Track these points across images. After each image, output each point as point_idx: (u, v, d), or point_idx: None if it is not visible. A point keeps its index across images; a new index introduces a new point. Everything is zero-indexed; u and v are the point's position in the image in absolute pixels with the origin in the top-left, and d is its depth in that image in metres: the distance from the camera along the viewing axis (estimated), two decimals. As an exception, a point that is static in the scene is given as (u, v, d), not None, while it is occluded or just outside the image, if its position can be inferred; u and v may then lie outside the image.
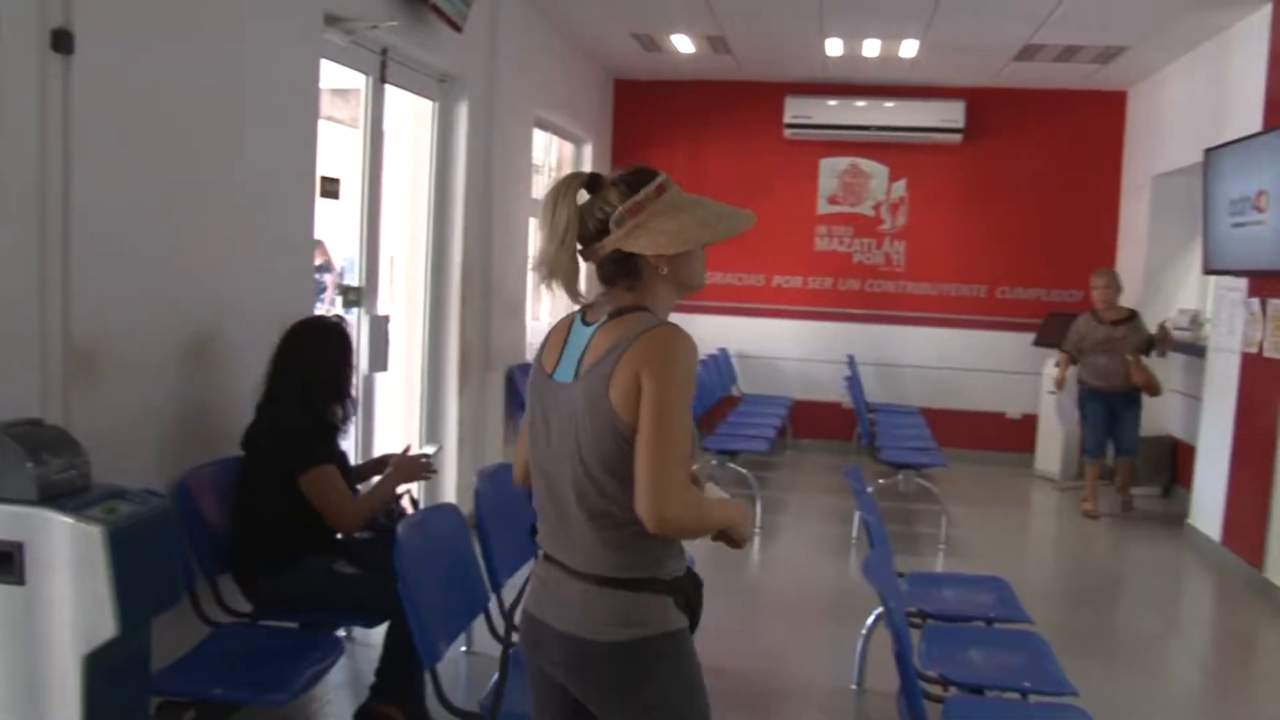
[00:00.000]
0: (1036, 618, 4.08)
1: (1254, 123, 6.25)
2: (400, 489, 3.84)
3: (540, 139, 8.12)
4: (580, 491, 2.02)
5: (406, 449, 4.02)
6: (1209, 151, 6.68)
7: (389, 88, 5.35)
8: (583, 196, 2.10)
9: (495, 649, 3.45)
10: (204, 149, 3.63)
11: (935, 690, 3.34)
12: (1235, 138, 6.35)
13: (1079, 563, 6.87)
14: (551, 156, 8.70)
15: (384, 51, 5.22)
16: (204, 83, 3.61)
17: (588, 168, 9.13)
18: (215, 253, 3.73)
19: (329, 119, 5.68)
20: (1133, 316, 7.65)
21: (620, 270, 2.09)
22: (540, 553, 2.16)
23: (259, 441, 3.55)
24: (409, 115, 5.99)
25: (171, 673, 3.07)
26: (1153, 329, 8.07)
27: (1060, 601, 5.87)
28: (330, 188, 4.74)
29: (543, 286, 2.08)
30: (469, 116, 6.13)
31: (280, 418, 3.55)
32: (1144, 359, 7.54)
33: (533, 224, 7.71)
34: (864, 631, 4.38)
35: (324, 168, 4.57)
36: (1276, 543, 5.87)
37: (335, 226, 5.58)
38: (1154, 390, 7.55)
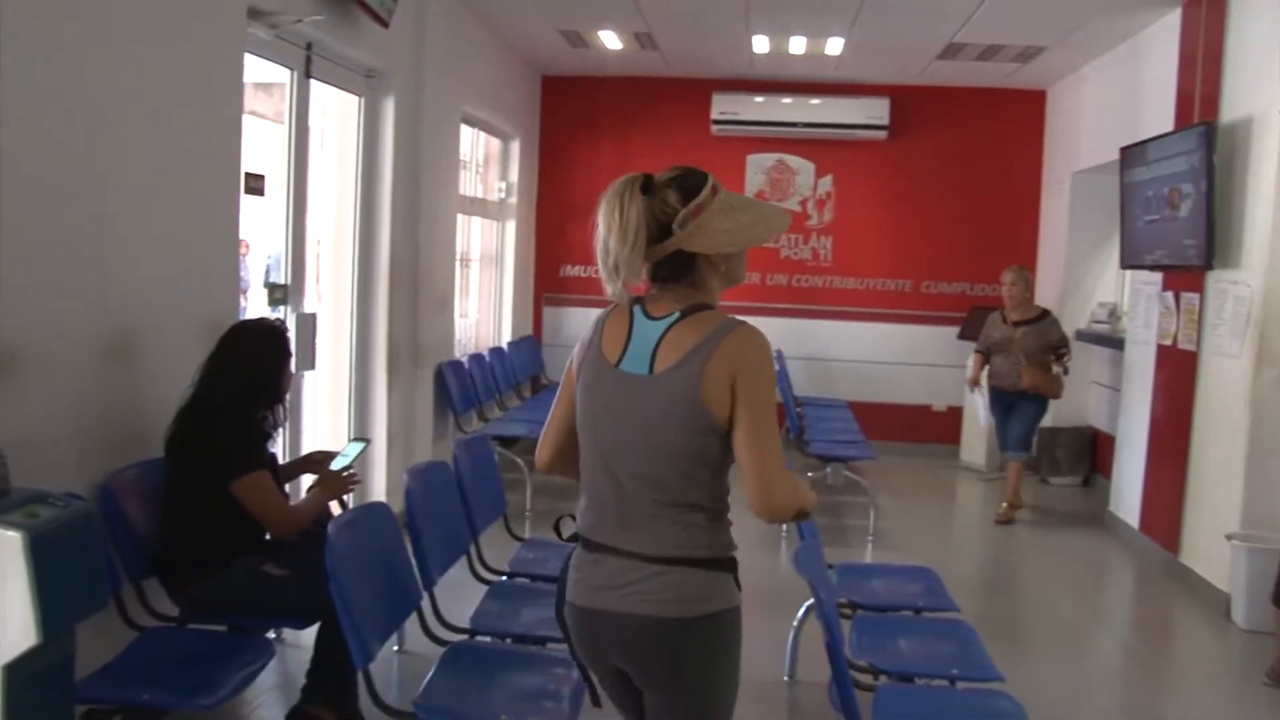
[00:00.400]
0: (964, 606, 4.18)
1: (1166, 122, 6.43)
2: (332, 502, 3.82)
3: (467, 134, 8.07)
4: (658, 480, 2.13)
5: (332, 457, 3.98)
6: (1125, 149, 6.86)
7: (314, 83, 5.29)
8: None
9: (428, 648, 3.45)
10: (125, 145, 3.55)
11: (866, 679, 3.40)
12: (1149, 136, 6.53)
13: (1004, 552, 7.02)
14: (479, 152, 8.65)
15: (309, 46, 5.15)
16: (124, 77, 3.53)
17: (515, 163, 9.13)
18: (137, 251, 3.65)
19: (253, 114, 5.59)
20: (1042, 317, 7.45)
21: (681, 268, 2.20)
22: (585, 544, 2.25)
23: (190, 444, 3.49)
24: (335, 111, 5.92)
25: (96, 680, 3.00)
26: (1081, 324, 8.26)
27: (987, 590, 6.00)
28: (255, 184, 4.67)
29: (611, 284, 2.16)
30: (395, 112, 6.07)
31: (214, 422, 3.49)
32: (1055, 364, 7.37)
33: (460, 219, 7.68)
34: (795, 623, 4.43)
35: (248, 164, 4.50)
36: (1190, 528, 6.06)
37: (261, 223, 5.50)
38: (1047, 394, 7.37)
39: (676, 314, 2.18)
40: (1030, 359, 7.25)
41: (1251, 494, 5.42)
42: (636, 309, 2.23)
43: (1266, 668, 4.65)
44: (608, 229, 2.14)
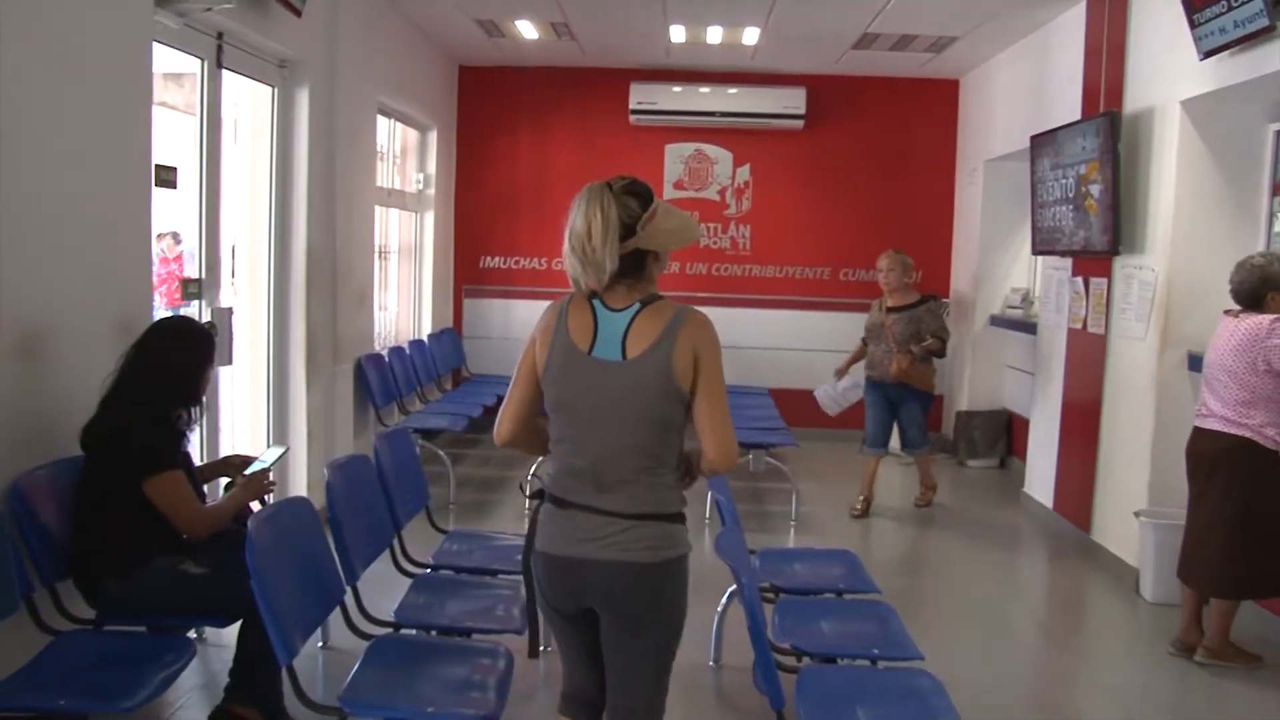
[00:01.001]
0: (884, 588, 4.25)
1: (1074, 111, 6.59)
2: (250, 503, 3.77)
3: (384, 125, 7.98)
4: (637, 446, 2.55)
5: (250, 461, 3.93)
6: (1034, 138, 7.02)
7: (225, 73, 5.19)
8: None
9: (354, 643, 3.43)
10: (25, 136, 3.45)
11: (789, 661, 3.45)
12: (1058, 125, 6.69)
13: (923, 534, 7.15)
14: (395, 143, 8.56)
15: (219, 35, 5.05)
16: (23, 66, 3.43)
17: (433, 155, 9.05)
18: (44, 246, 3.56)
19: (163, 105, 5.47)
20: (920, 303, 7.14)
21: (636, 264, 2.59)
22: (558, 503, 2.62)
23: (104, 443, 3.41)
24: (248, 101, 5.82)
25: (10, 686, 2.93)
26: (995, 310, 8.40)
27: (906, 571, 6.11)
28: (166, 177, 4.57)
29: (585, 277, 2.58)
30: (310, 102, 5.99)
31: (128, 419, 3.41)
32: (915, 346, 6.99)
33: (379, 211, 7.61)
34: (719, 609, 4.48)
35: (160, 156, 4.40)
36: (1101, 506, 6.24)
37: (173, 216, 5.39)
38: (917, 384, 7.07)
39: (637, 305, 2.57)
40: (901, 347, 6.98)
41: (1158, 472, 5.59)
42: (595, 302, 2.60)
43: (1172, 638, 4.82)
44: (587, 228, 2.51)
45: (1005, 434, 8.81)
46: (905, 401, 7.17)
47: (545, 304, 2.72)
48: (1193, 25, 5.09)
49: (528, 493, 2.78)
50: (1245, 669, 4.59)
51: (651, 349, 2.52)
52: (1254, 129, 5.51)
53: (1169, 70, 5.54)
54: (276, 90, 5.86)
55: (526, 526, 2.73)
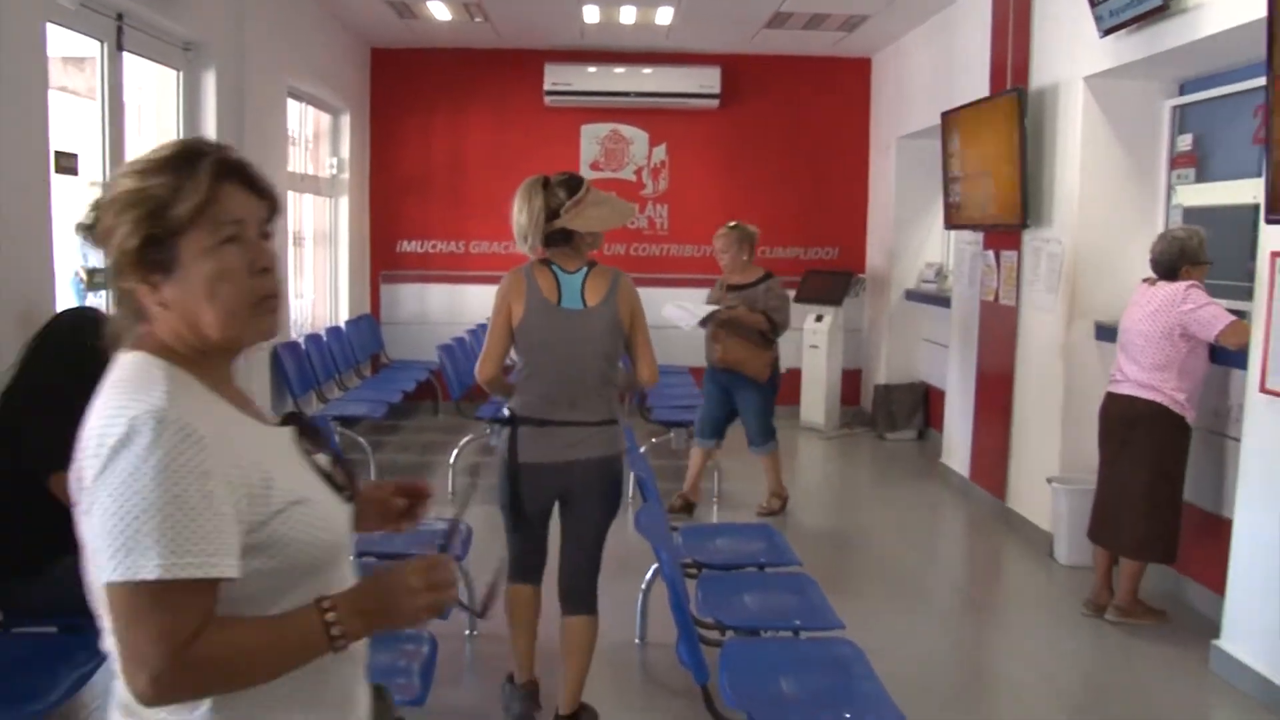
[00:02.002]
0: (805, 560, 4.32)
1: (982, 88, 6.70)
2: None
3: (294, 109, 7.84)
4: (599, 372, 3.53)
5: None
6: (945, 114, 7.12)
7: (126, 55, 5.05)
8: None
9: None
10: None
11: (713, 635, 3.49)
12: (967, 101, 6.80)
13: (843, 505, 7.26)
14: (307, 128, 8.42)
15: (119, 16, 4.91)
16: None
17: (346, 138, 8.92)
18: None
19: (62, 89, 5.31)
20: (759, 282, 6.39)
21: (564, 239, 3.52)
22: (537, 423, 3.51)
23: (4, 439, 3.31)
24: (152, 85, 5.67)
25: (-86, 691, 2.85)
26: (910, 284, 8.48)
27: (827, 543, 6.20)
28: (67, 163, 4.44)
29: (523, 246, 3.54)
30: (217, 86, 5.86)
31: (30, 413, 3.31)
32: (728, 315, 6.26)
33: (292, 196, 7.48)
34: (643, 586, 4.50)
35: (59, 142, 4.28)
36: (1015, 474, 6.39)
37: (77, 204, 5.23)
38: (746, 370, 6.29)
39: (585, 268, 3.55)
40: (731, 329, 6.27)
41: (1068, 439, 5.74)
42: (554, 266, 3.53)
43: (1085, 599, 4.97)
44: (520, 212, 3.47)
45: (922, 406, 8.96)
46: (738, 390, 6.44)
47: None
48: (1093, 3, 5.21)
49: (503, 422, 3.64)
50: (1152, 625, 4.75)
51: (604, 299, 3.51)
52: (1153, 104, 5.65)
53: (1072, 47, 5.66)
54: (181, 74, 5.72)
55: (502, 459, 3.59)
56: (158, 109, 5.71)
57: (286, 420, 1.62)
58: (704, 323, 6.33)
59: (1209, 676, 4.28)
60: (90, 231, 1.48)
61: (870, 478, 7.77)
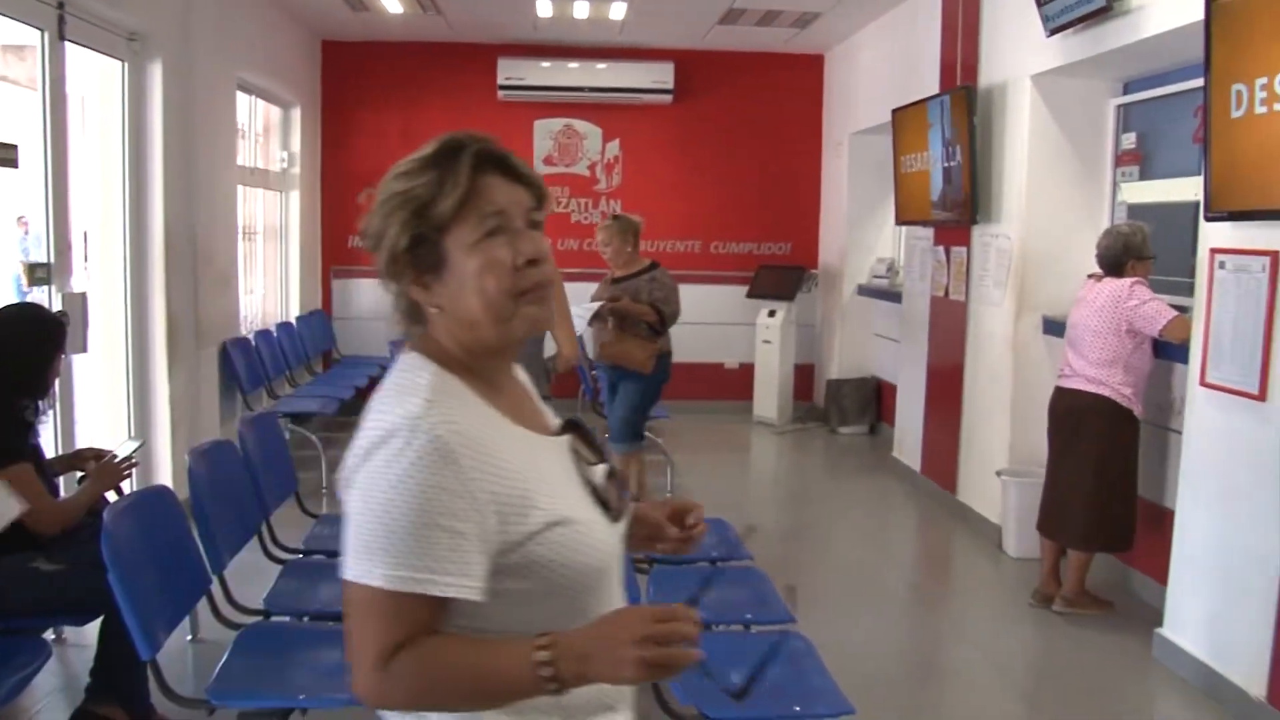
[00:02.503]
0: (757, 555, 4.32)
1: (933, 85, 6.76)
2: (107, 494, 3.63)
3: (244, 102, 7.74)
4: (524, 354, 3.65)
5: (109, 456, 3.79)
6: (895, 111, 7.18)
7: (69, 45, 4.96)
8: None
9: (225, 634, 3.34)
10: None
11: (664, 631, 3.48)
12: (917, 99, 6.85)
13: (795, 500, 7.30)
14: (258, 121, 8.32)
15: (60, 4, 4.81)
16: None
17: (296, 131, 8.83)
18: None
19: (2, 79, 5.22)
20: (643, 273, 6.10)
21: None
22: None
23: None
24: (96, 76, 5.58)
25: None
26: (863, 280, 8.50)
27: (780, 538, 6.23)
28: (6, 155, 4.36)
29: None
30: (164, 78, 5.77)
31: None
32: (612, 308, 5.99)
33: (242, 191, 7.40)
34: (596, 582, 4.49)
35: (-2, 134, 4.20)
36: (965, 467, 6.46)
37: (18, 197, 5.14)
38: (627, 362, 6.00)
39: None
40: (616, 323, 6.01)
41: (1016, 432, 5.82)
42: None
43: (1032, 590, 5.04)
44: None
45: (874, 401, 9.03)
46: (621, 383, 6.16)
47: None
48: (1039, 3, 5.27)
49: None
50: (1099, 615, 4.83)
51: None
52: (1098, 103, 5.73)
53: (1020, 46, 5.72)
54: (127, 65, 5.63)
55: None
56: (102, 100, 5.62)
57: (566, 428, 1.58)
58: (592, 321, 6.05)
59: (1151, 664, 4.37)
60: (364, 237, 1.51)
61: (822, 472, 7.83)
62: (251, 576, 3.79)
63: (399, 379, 1.44)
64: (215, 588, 3.41)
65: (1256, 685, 3.83)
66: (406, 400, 1.38)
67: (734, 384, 9.76)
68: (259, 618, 3.44)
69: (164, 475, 5.79)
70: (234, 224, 7.11)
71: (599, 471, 1.54)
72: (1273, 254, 3.79)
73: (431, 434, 1.33)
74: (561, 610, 1.40)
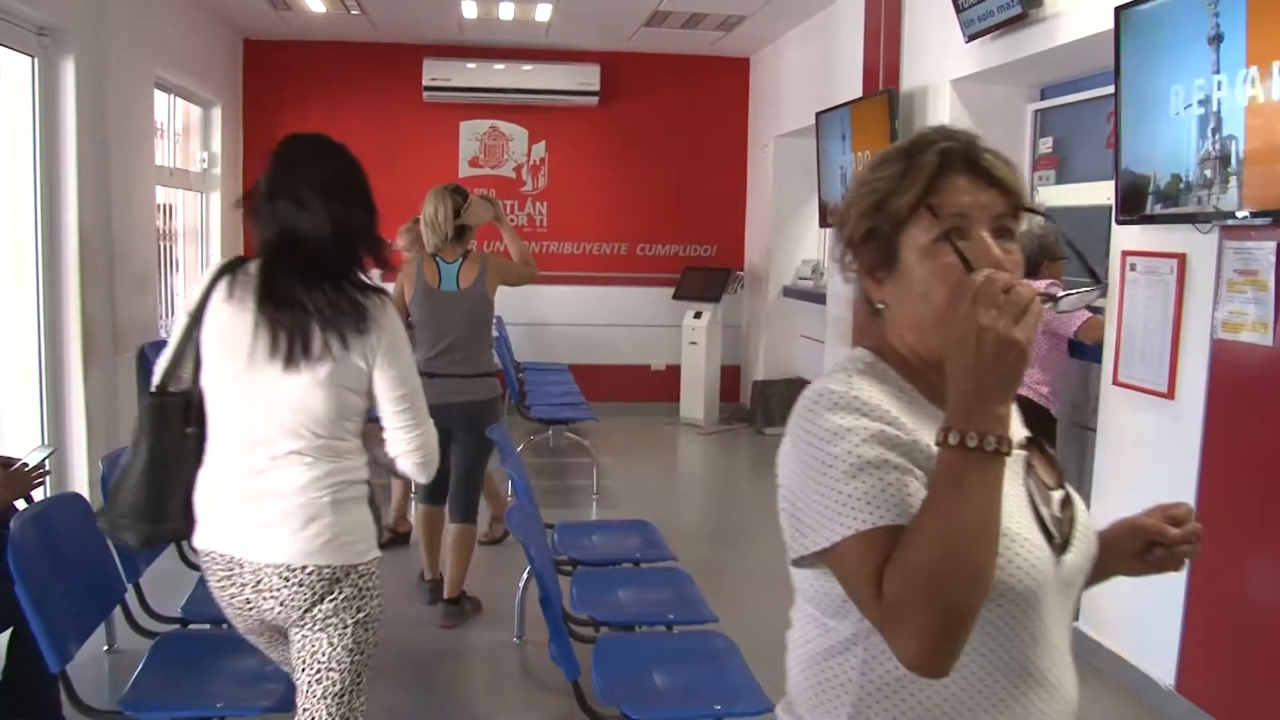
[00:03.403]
0: (682, 556, 4.36)
1: (856, 89, 6.85)
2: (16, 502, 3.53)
3: (162, 101, 7.59)
4: (474, 335, 4.74)
5: (18, 464, 3.69)
6: (819, 114, 7.26)
7: (-24, 42, 4.83)
8: None
9: (142, 644, 3.28)
10: None
11: (587, 632, 3.50)
12: (841, 102, 6.94)
13: (721, 502, 7.34)
14: (177, 120, 8.16)
15: (-33, 2, 4.70)
16: None
17: (217, 131, 8.69)
18: None
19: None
20: None
21: (462, 231, 4.72)
22: (429, 376, 3.93)
23: None
24: (4, 72, 5.43)
25: None
26: (788, 281, 8.53)
27: (704, 539, 6.26)
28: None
29: (431, 242, 4.78)
30: (77, 75, 5.63)
31: None
32: None
33: (160, 190, 7.27)
34: (520, 585, 4.50)
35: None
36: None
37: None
38: None
39: (461, 258, 4.71)
40: None
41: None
42: (437, 259, 4.71)
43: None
44: (435, 212, 4.67)
45: (800, 402, 9.08)
46: None
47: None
48: (958, 9, 5.36)
49: None
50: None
51: (475, 281, 4.67)
52: (1016, 108, 5.85)
53: (940, 51, 5.82)
54: (37, 60, 5.49)
55: None
56: (12, 98, 5.47)
57: (1028, 445, 1.46)
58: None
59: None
60: (832, 215, 1.50)
61: (748, 473, 7.87)
62: (171, 584, 3.73)
63: (835, 365, 1.45)
64: (130, 596, 3.35)
65: (1167, 675, 3.95)
66: (829, 379, 1.40)
67: (661, 386, 9.78)
68: (176, 625, 3.38)
69: (80, 483, 5.66)
70: (152, 225, 6.97)
71: (1054, 498, 1.43)
72: (1180, 256, 3.91)
73: (848, 397, 1.35)
74: (977, 631, 1.24)
